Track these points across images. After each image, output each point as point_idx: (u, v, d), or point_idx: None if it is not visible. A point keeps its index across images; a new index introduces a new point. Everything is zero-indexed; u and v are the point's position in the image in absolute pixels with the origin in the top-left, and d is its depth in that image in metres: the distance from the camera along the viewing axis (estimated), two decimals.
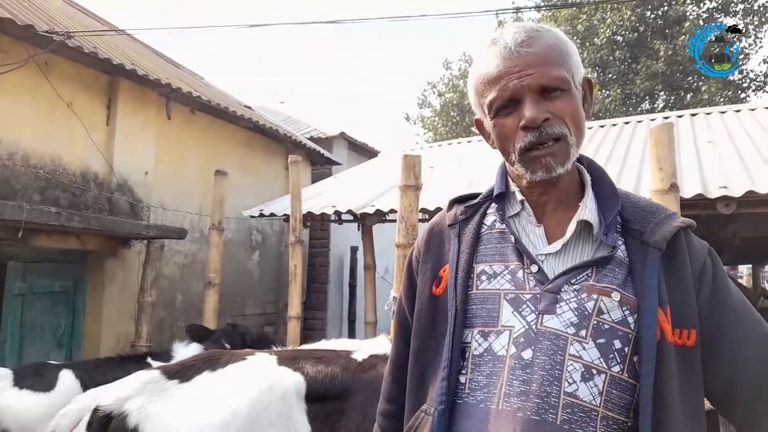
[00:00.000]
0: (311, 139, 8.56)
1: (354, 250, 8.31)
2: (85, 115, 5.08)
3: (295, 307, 4.34)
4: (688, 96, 14.41)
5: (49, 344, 4.84)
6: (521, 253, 1.09)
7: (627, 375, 0.99)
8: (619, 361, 0.99)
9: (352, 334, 8.11)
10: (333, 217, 5.39)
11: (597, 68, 14.88)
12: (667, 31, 14.14)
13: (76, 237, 4.93)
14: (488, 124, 1.12)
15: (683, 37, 12.95)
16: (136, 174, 5.56)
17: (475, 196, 1.24)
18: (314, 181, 7.85)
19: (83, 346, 5.14)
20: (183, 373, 2.17)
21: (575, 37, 14.59)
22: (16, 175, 4.51)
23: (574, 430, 0.96)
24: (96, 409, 2.02)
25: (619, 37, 14.71)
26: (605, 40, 14.41)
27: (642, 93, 14.28)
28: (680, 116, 6.38)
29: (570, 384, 0.98)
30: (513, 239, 1.11)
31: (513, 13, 15.66)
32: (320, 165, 8.47)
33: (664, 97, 14.96)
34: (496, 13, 15.76)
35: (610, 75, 15.03)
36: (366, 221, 5.21)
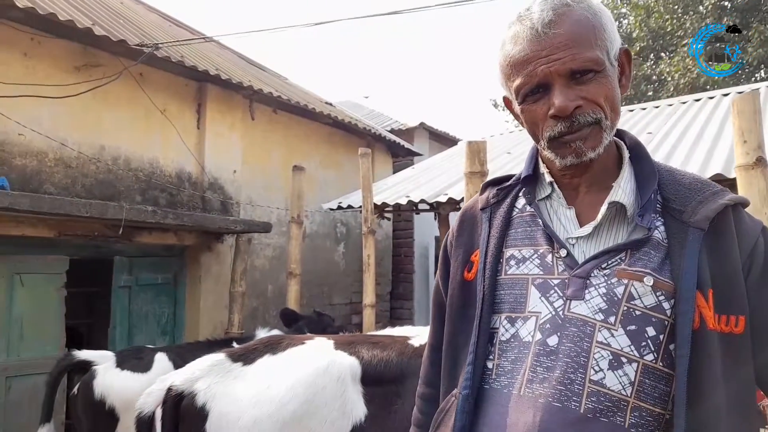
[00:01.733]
0: (392, 131, 8.66)
1: (438, 239, 8.33)
2: (177, 120, 5.49)
3: (369, 296, 4.45)
4: None
5: (154, 332, 5.31)
6: (551, 237, 1.05)
7: (662, 364, 0.93)
8: (653, 349, 0.93)
9: None
10: (408, 207, 5.43)
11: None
12: None
13: (174, 233, 5.35)
14: (517, 107, 1.07)
15: None
16: (226, 173, 5.93)
17: (509, 177, 1.20)
18: (396, 172, 7.94)
19: (184, 333, 5.58)
20: (246, 356, 2.32)
21: (676, 6, 13.59)
22: (120, 178, 4.98)
23: (599, 419, 0.92)
24: (169, 389, 2.21)
25: (726, 2, 13.49)
26: (711, 6, 13.26)
27: (755, 62, 13.01)
28: None
29: (596, 372, 0.93)
30: (542, 223, 1.07)
31: None
32: (401, 156, 8.54)
33: None
34: None
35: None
36: (440, 210, 5.21)
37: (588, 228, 1.02)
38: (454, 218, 6.19)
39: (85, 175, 4.71)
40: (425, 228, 8.20)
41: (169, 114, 5.41)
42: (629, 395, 0.93)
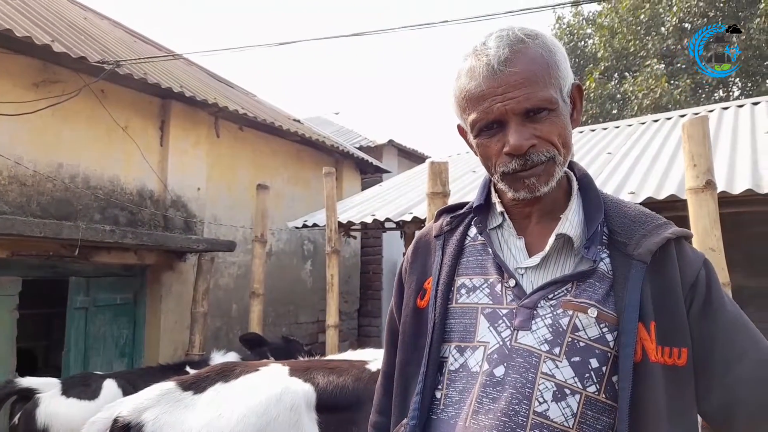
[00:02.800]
0: (361, 148, 8.67)
1: None
2: (139, 137, 5.39)
3: (332, 316, 4.41)
4: (767, 82, 13.44)
5: (111, 354, 5.17)
6: (501, 267, 1.06)
7: (605, 396, 0.94)
8: (595, 380, 0.94)
9: None
10: (374, 226, 5.43)
11: (664, 59, 14.17)
12: (740, 14, 13.27)
13: (134, 252, 5.24)
14: (471, 139, 1.08)
15: (758, 19, 12.12)
16: (189, 191, 5.84)
17: (463, 205, 1.21)
18: (365, 189, 7.94)
19: (144, 355, 5.44)
20: (197, 384, 2.27)
21: (639, 27, 13.99)
22: (78, 196, 4.86)
23: None
24: (115, 420, 2.14)
25: (687, 25, 13.94)
26: (672, 28, 13.70)
27: (714, 81, 13.45)
28: (740, 106, 5.97)
29: (540, 403, 0.94)
30: (492, 252, 1.08)
31: (571, 6, 15.20)
32: (370, 173, 8.56)
33: (740, 84, 14.03)
34: (554, 9, 15.42)
35: (679, 65, 14.27)
36: (406, 229, 5.22)
37: (536, 259, 1.04)
38: None
39: (41, 193, 4.59)
40: (394, 245, 8.20)
41: (131, 131, 5.32)
42: (571, 427, 0.93)
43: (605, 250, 1.02)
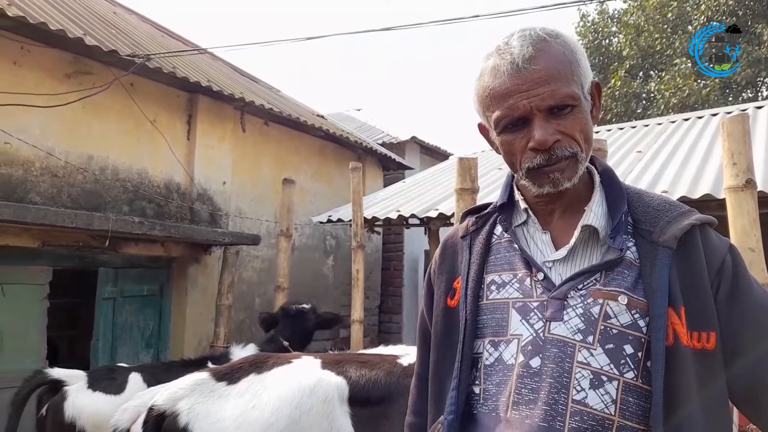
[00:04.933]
0: (384, 144, 8.66)
1: (428, 253, 8.30)
2: (167, 131, 5.44)
3: (357, 311, 4.40)
4: None
5: (138, 345, 5.22)
6: (528, 262, 1.08)
7: (642, 381, 0.95)
8: (632, 366, 0.95)
9: None
10: (398, 222, 5.42)
11: (691, 57, 13.93)
12: None
13: (161, 245, 5.29)
14: (494, 137, 1.10)
15: None
16: (215, 184, 5.88)
17: (487, 206, 1.24)
18: (387, 185, 7.93)
19: (169, 346, 5.50)
20: (231, 375, 2.28)
21: (665, 26, 13.77)
22: (107, 188, 4.92)
23: None
24: (151, 408, 2.16)
25: (715, 23, 13.69)
26: (699, 27, 13.45)
27: (743, 81, 13.19)
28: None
29: (578, 391, 0.95)
30: (518, 248, 1.10)
31: (598, 3, 15.01)
32: (392, 170, 8.54)
33: None
34: (578, 6, 15.24)
35: None
36: (430, 225, 5.20)
37: (563, 251, 1.06)
38: (444, 234, 6.15)
39: (72, 184, 4.65)
40: (415, 242, 8.18)
41: (159, 124, 5.37)
42: (613, 414, 0.94)
43: (631, 239, 1.03)
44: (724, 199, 2.92)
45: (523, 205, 1.12)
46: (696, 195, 3.85)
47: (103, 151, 4.91)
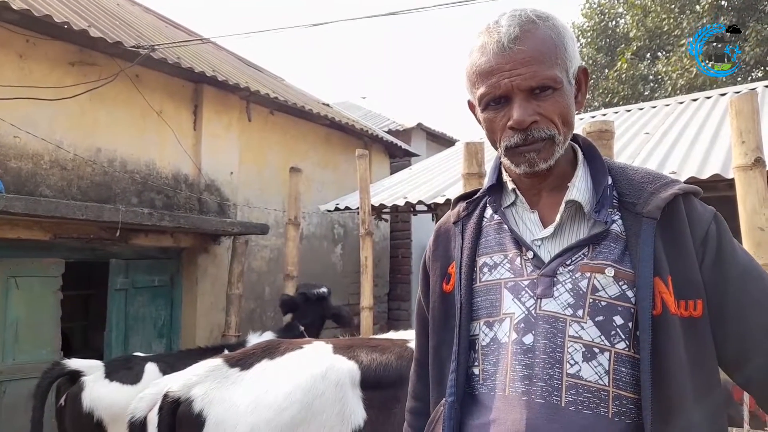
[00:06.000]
0: (389, 131, 8.64)
1: None
2: (173, 121, 5.45)
3: (367, 298, 4.43)
4: None
5: (150, 334, 5.28)
6: (518, 241, 1.10)
7: (633, 351, 0.97)
8: (623, 337, 0.97)
9: None
10: (405, 209, 5.42)
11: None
12: None
13: (171, 235, 5.32)
14: (479, 113, 1.12)
15: None
16: (222, 174, 5.90)
17: (477, 191, 1.26)
18: (394, 172, 7.92)
19: (180, 336, 5.55)
20: (244, 361, 2.31)
21: (673, 6, 13.59)
22: (116, 180, 4.95)
23: (581, 411, 0.95)
24: (165, 395, 2.19)
25: (723, 2, 13.49)
26: (707, 6, 13.26)
27: (752, 61, 13.02)
28: None
29: (572, 365, 0.98)
30: (508, 228, 1.12)
31: None
32: (399, 157, 8.53)
33: None
34: None
35: None
36: (438, 211, 5.20)
37: (550, 228, 1.08)
38: None
39: (81, 177, 4.68)
40: (423, 229, 8.18)
41: (165, 115, 5.38)
42: (607, 384, 0.96)
43: (617, 212, 1.05)
44: (733, 179, 2.90)
45: (510, 185, 1.14)
46: (704, 176, 3.83)
47: (111, 143, 4.93)
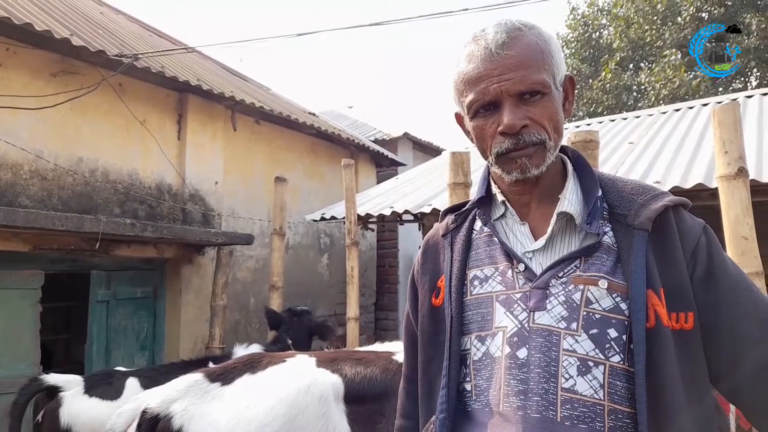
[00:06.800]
0: (376, 141, 8.64)
1: None
2: (157, 131, 5.40)
3: (353, 309, 4.39)
4: None
5: (133, 347, 5.19)
6: (509, 254, 1.08)
7: (628, 364, 0.95)
8: (618, 350, 0.96)
9: None
10: (391, 218, 5.40)
11: (681, 48, 13.95)
12: (759, 2, 13.04)
13: (154, 246, 5.25)
14: (468, 123, 1.11)
15: None
16: (207, 184, 5.84)
17: (465, 203, 1.25)
18: (380, 182, 7.90)
19: (164, 347, 5.47)
20: (225, 376, 2.26)
21: (655, 17, 13.79)
22: (98, 190, 4.87)
23: (576, 426, 0.94)
24: (144, 411, 2.14)
25: (704, 14, 13.71)
26: (689, 17, 13.48)
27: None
28: (765, 94, 5.85)
29: (567, 379, 0.96)
30: (498, 241, 1.11)
31: None
32: (385, 167, 8.53)
33: (758, 74, 13.79)
34: None
35: None
36: (424, 221, 5.18)
37: (542, 240, 1.06)
38: None
39: (62, 187, 4.61)
40: (410, 238, 8.17)
41: (149, 125, 5.33)
42: (602, 399, 0.95)
43: (607, 224, 1.04)
44: (716, 188, 2.92)
45: (500, 197, 1.13)
46: (688, 185, 3.85)
47: (93, 153, 4.86)
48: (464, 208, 1.22)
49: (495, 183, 1.15)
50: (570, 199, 1.07)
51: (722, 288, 1.00)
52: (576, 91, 1.17)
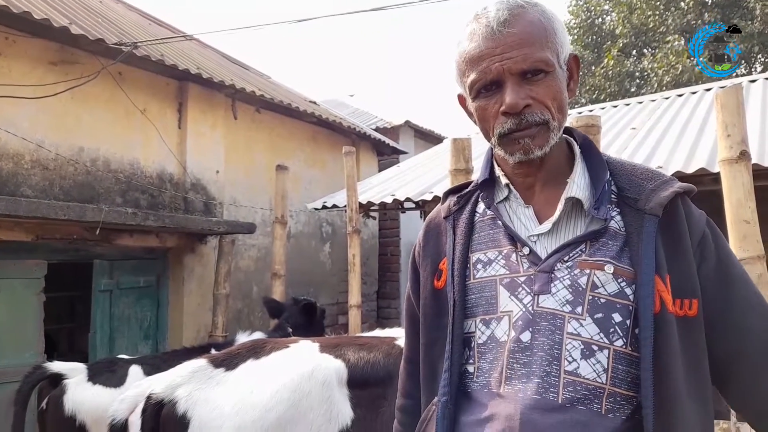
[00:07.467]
0: (377, 129, 8.62)
1: None
2: (158, 120, 5.38)
3: (355, 296, 4.40)
4: None
5: (136, 336, 5.21)
6: (513, 237, 1.07)
7: (631, 348, 0.96)
8: (621, 334, 0.96)
9: None
10: (393, 206, 5.40)
11: (684, 34, 13.85)
12: None
13: (156, 235, 5.26)
14: (470, 103, 1.09)
15: None
16: (208, 173, 5.84)
17: (468, 185, 1.23)
18: (381, 170, 7.89)
19: (167, 336, 5.49)
20: (229, 361, 2.27)
21: (658, 3, 13.68)
22: (99, 179, 4.87)
23: (575, 407, 0.95)
24: (149, 397, 2.15)
25: (713, 24, 13.60)
26: (692, 3, 13.38)
27: (737, 57, 13.15)
28: None
29: (570, 362, 0.96)
30: (502, 224, 1.09)
31: None
32: (386, 155, 8.51)
33: (762, 59, 13.70)
34: None
35: None
36: (426, 208, 5.18)
37: (547, 224, 1.05)
38: None
39: (63, 177, 4.61)
40: (411, 226, 8.16)
41: (149, 114, 5.31)
42: (604, 382, 0.95)
43: (615, 208, 1.04)
44: (718, 173, 2.91)
45: (504, 180, 1.11)
46: (690, 170, 3.84)
47: (94, 142, 4.85)
48: (467, 190, 1.20)
49: (499, 165, 1.14)
50: (578, 184, 1.06)
51: (731, 281, 1.01)
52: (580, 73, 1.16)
